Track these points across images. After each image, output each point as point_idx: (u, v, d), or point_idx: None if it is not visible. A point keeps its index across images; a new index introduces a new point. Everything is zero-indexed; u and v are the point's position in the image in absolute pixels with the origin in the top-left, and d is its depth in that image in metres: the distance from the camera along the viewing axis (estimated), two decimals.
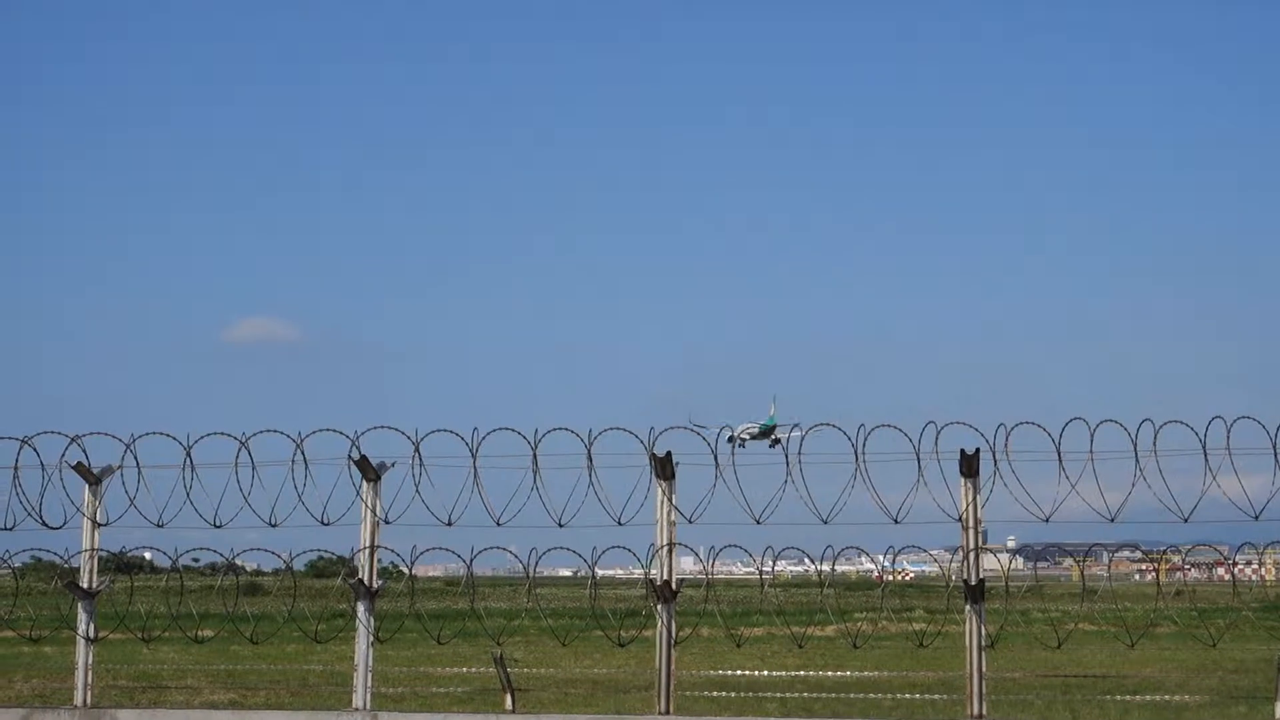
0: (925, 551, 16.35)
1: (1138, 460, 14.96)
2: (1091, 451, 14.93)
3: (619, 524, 15.64)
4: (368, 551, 16.23)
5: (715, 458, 15.46)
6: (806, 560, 16.01)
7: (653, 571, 15.88)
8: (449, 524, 15.78)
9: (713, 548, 16.04)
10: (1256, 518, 15.14)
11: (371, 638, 16.19)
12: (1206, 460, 14.93)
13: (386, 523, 16.22)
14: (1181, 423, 14.99)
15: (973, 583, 15.12)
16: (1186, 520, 15.06)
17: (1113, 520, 15.09)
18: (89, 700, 16.64)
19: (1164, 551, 17.47)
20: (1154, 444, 14.93)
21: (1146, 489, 15.03)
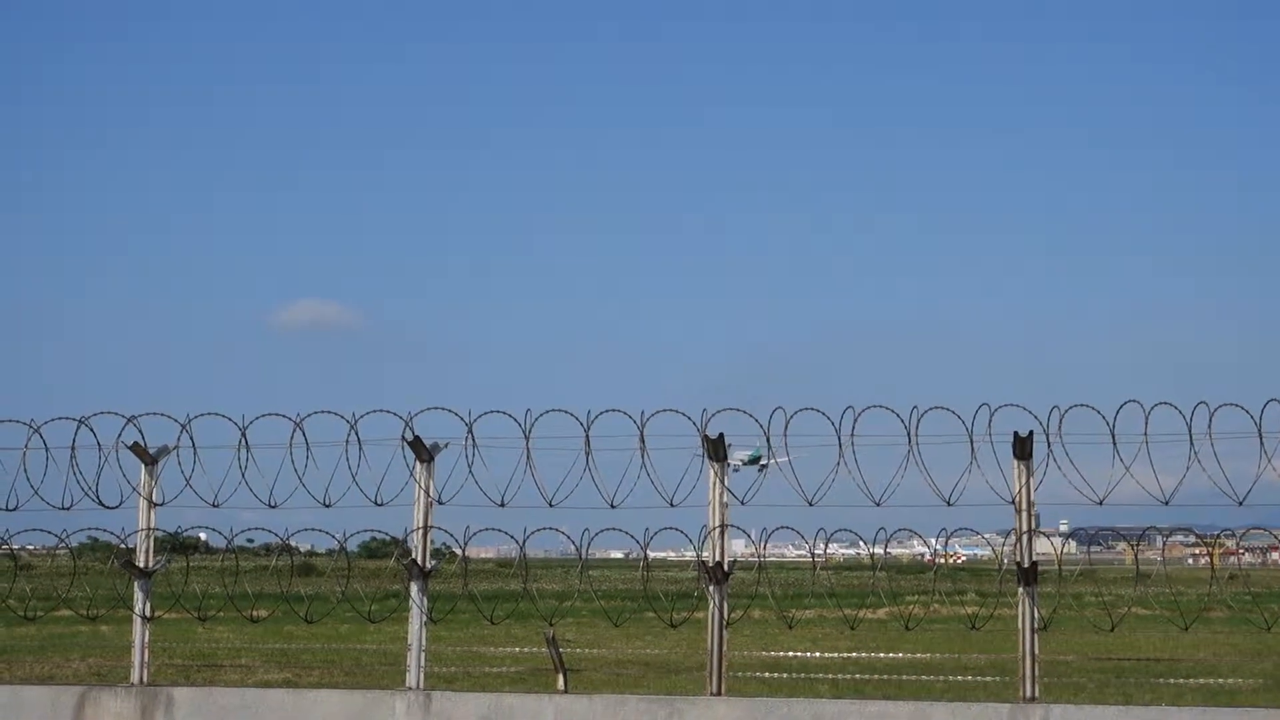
0: (978, 534, 16.31)
1: (1192, 443, 14.88)
2: (1146, 434, 14.85)
3: (671, 505, 15.66)
4: (421, 532, 16.29)
5: (768, 440, 15.47)
6: (860, 543, 16.00)
7: (704, 553, 15.90)
8: (502, 505, 15.82)
9: (764, 530, 16.06)
10: None
11: (425, 618, 16.26)
12: (1262, 443, 14.84)
13: (440, 503, 16.28)
14: (1237, 405, 14.91)
15: (1026, 565, 15.09)
16: (1241, 504, 14.97)
17: (1166, 504, 15.01)
18: (145, 678, 16.77)
19: (1217, 536, 17.37)
20: (1209, 427, 14.85)
21: (1201, 472, 14.95)
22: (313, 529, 16.74)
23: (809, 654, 24.05)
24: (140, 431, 16.81)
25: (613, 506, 15.67)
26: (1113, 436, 14.94)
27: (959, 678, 22.38)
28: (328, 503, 16.20)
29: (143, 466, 16.95)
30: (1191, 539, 18.15)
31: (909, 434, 15.25)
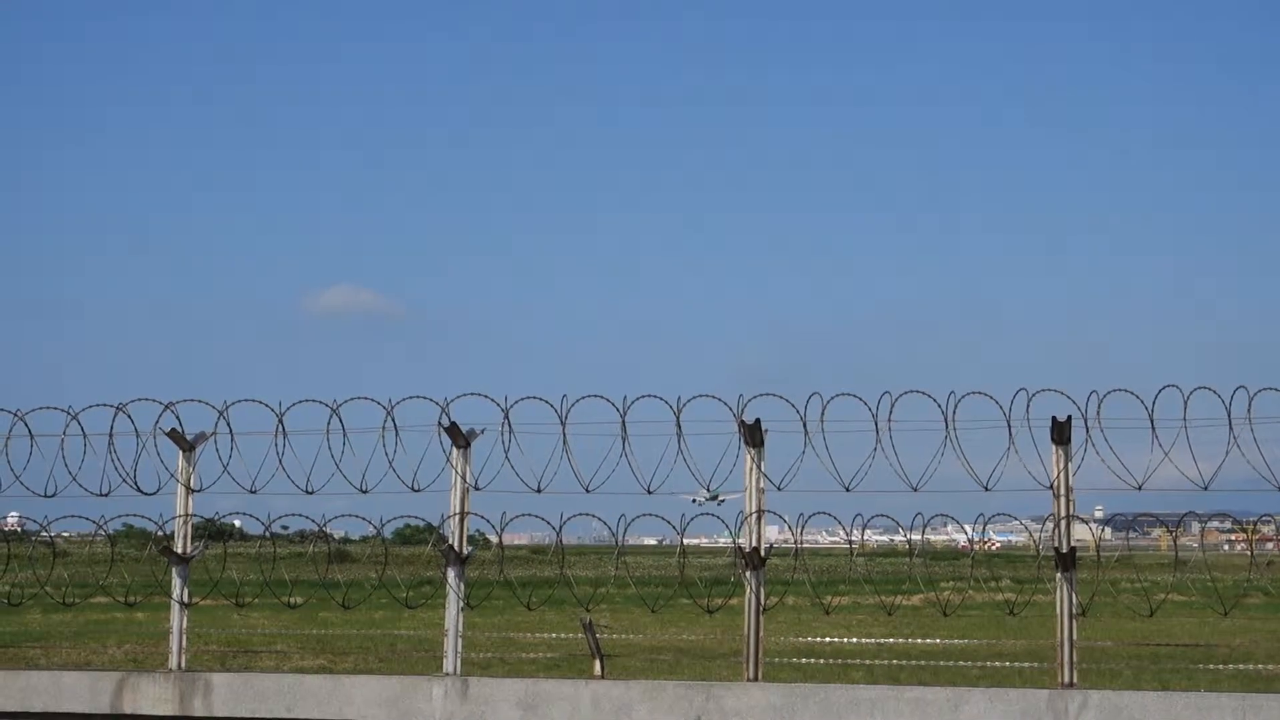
0: (1015, 520, 16.25)
1: (1231, 428, 14.79)
2: (1184, 419, 14.77)
3: (708, 490, 15.65)
4: (458, 518, 16.28)
5: (804, 425, 15.42)
6: (900, 529, 15.96)
7: (740, 539, 15.87)
8: (538, 490, 15.81)
9: (801, 515, 16.01)
10: None
11: (462, 603, 16.26)
12: None
13: (476, 489, 16.27)
14: (1276, 390, 14.80)
15: (1064, 551, 15.02)
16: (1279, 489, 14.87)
17: (1205, 489, 14.92)
18: (183, 664, 16.82)
19: (1255, 522, 17.27)
20: (1248, 411, 14.75)
21: (1240, 457, 14.85)
22: (349, 515, 16.74)
23: (844, 640, 24.02)
24: (178, 418, 16.86)
25: (649, 492, 15.65)
26: (1151, 421, 14.85)
27: (995, 664, 22.32)
28: (364, 488, 16.20)
29: (180, 453, 16.98)
30: (1228, 525, 18.06)
31: (946, 419, 15.19)
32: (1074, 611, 15.11)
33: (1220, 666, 23.74)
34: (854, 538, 15.95)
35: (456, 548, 16.25)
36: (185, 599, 16.95)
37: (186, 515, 16.96)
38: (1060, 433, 15.14)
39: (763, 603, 15.68)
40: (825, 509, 15.70)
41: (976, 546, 17.57)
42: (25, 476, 16.91)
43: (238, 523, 19.04)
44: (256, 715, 16.04)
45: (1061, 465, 15.19)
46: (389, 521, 16.98)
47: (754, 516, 15.71)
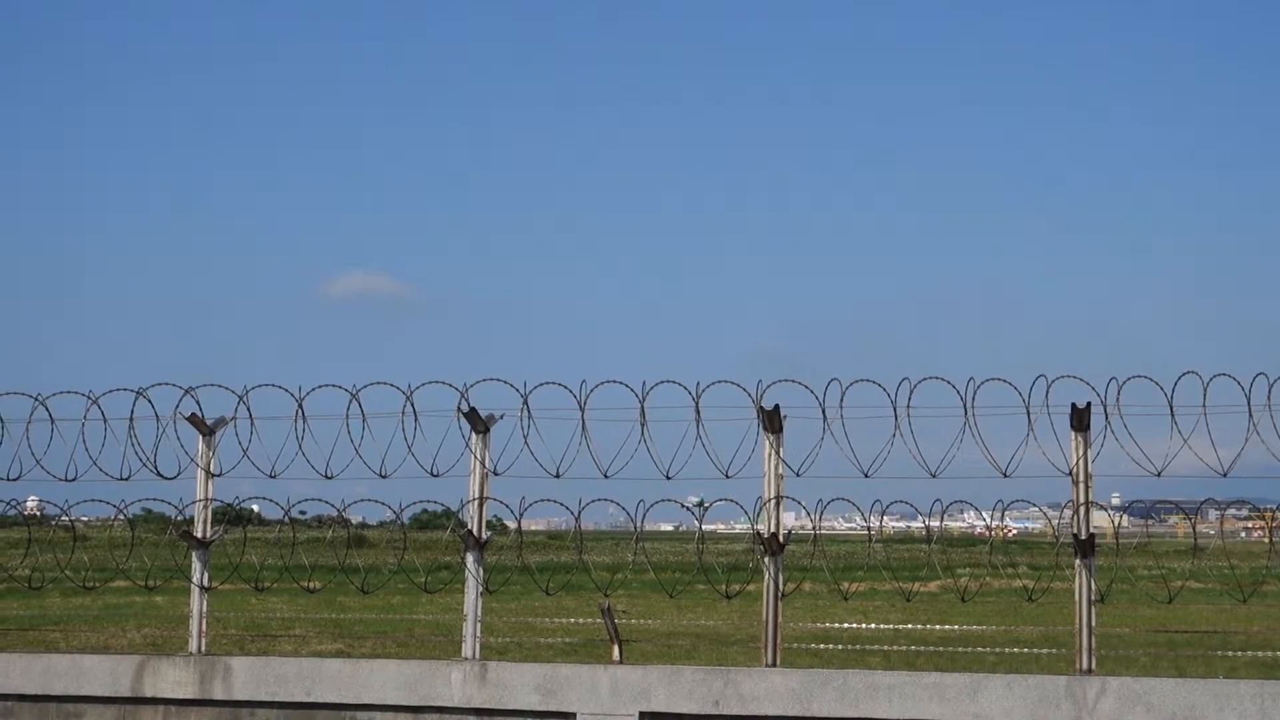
0: (1034, 506, 16.23)
1: (1251, 415, 14.77)
2: (1204, 406, 14.75)
3: (726, 477, 15.63)
4: (477, 503, 16.30)
5: (823, 411, 15.41)
6: (918, 516, 15.95)
7: (759, 525, 15.88)
8: (557, 476, 15.82)
9: (819, 501, 16.01)
10: None
11: (481, 588, 16.29)
12: None
13: (495, 474, 16.28)
14: None
15: (1083, 537, 15.02)
16: None
17: (1224, 475, 14.90)
18: (203, 648, 16.87)
19: (1273, 509, 17.24)
20: (1268, 398, 14.74)
21: (1259, 444, 14.83)
22: (368, 500, 16.77)
23: (862, 626, 24.02)
24: (198, 403, 16.90)
25: (668, 478, 15.66)
26: (1170, 408, 14.83)
27: (1013, 650, 22.34)
28: (383, 473, 16.23)
29: (200, 437, 17.02)
30: (1246, 512, 18.03)
31: (965, 405, 15.18)
32: (1092, 598, 15.11)
33: (1238, 653, 23.76)
34: (872, 524, 15.94)
35: (475, 533, 16.27)
36: (205, 583, 17.01)
37: (206, 500, 17.00)
38: (1080, 419, 15.12)
39: (781, 588, 15.70)
40: (843, 495, 15.70)
41: (994, 533, 17.55)
42: (46, 460, 16.97)
43: (257, 507, 19.07)
44: (276, 699, 16.10)
45: (1081, 452, 15.17)
46: (408, 506, 17.01)
47: (772, 502, 15.71)
